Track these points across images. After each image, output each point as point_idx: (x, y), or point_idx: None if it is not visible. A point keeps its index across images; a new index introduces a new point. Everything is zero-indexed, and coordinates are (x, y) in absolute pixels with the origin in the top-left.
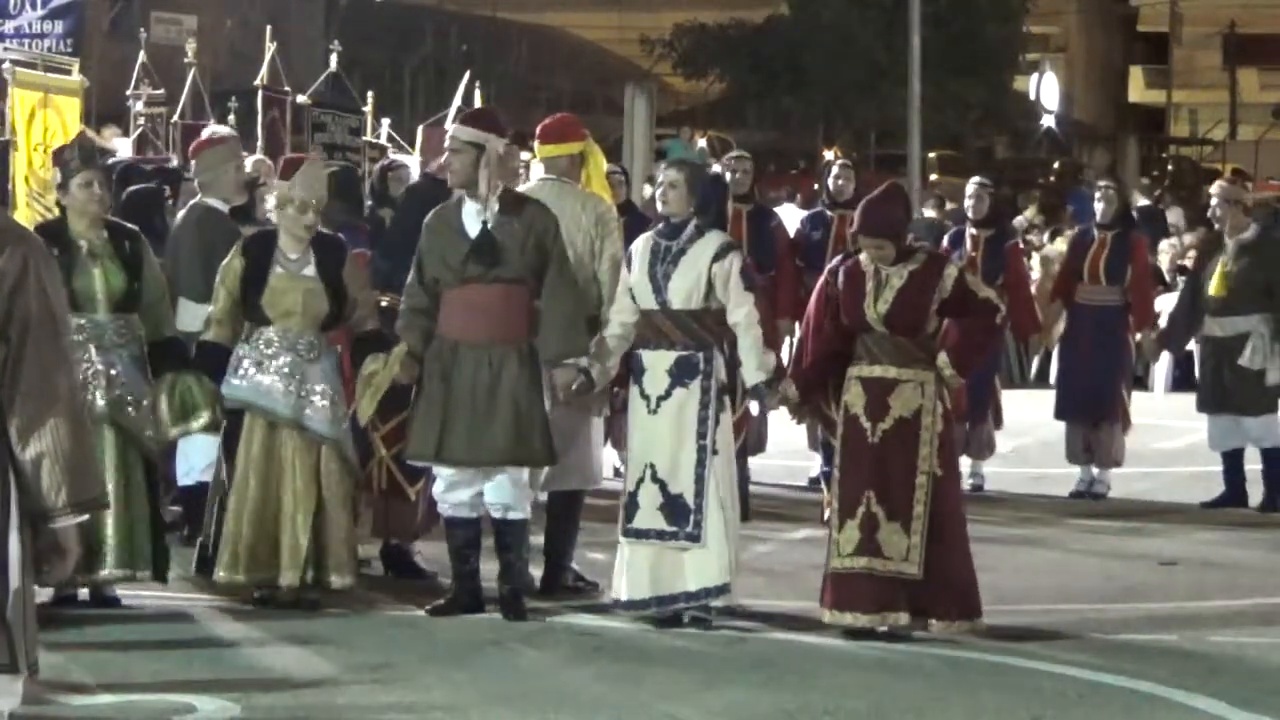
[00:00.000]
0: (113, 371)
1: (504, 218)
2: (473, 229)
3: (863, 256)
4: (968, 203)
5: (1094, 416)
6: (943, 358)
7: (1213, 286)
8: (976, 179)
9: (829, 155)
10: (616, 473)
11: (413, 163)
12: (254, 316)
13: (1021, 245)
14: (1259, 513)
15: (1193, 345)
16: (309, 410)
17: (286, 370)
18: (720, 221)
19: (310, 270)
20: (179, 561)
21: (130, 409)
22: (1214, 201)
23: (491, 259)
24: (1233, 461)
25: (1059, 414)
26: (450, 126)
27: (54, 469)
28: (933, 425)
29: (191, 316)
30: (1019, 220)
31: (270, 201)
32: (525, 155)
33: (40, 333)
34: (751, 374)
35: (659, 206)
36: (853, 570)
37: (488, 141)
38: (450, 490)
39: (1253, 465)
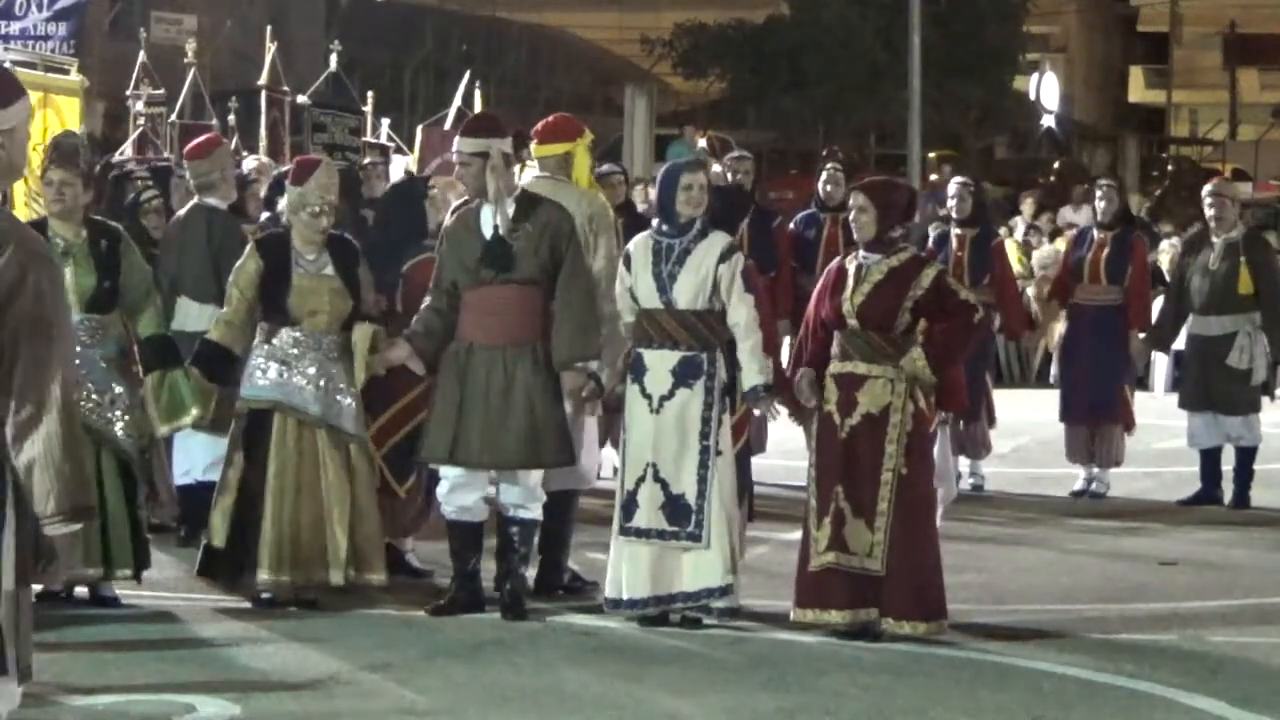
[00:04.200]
0: (81, 373)
1: (518, 221)
2: (489, 232)
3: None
4: (950, 203)
5: (1097, 418)
6: (917, 352)
7: (1240, 285)
8: (958, 179)
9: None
10: (616, 472)
11: (410, 163)
12: (275, 318)
13: (1020, 244)
14: (1229, 509)
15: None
16: (337, 409)
17: (314, 370)
18: (732, 229)
19: (330, 270)
20: (177, 561)
21: (97, 412)
22: (1207, 199)
23: (503, 263)
24: (1210, 459)
25: (1064, 416)
26: (455, 141)
27: (44, 476)
28: (901, 424)
29: (195, 316)
30: (1016, 220)
31: (282, 205)
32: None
33: (35, 337)
34: (751, 377)
35: (688, 208)
36: (824, 566)
37: (490, 148)
38: (454, 492)
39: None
